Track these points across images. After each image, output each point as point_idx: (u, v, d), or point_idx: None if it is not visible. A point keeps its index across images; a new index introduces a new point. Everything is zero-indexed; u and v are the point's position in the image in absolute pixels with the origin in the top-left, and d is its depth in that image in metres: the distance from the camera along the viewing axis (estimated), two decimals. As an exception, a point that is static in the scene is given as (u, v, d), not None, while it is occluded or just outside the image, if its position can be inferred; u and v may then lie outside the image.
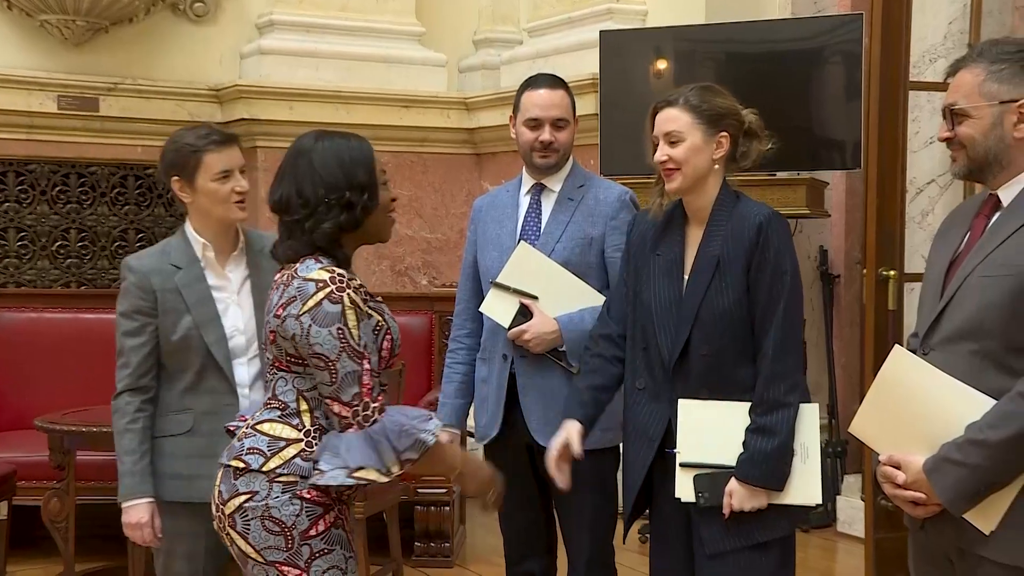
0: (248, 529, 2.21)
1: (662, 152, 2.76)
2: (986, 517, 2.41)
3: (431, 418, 2.25)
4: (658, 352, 2.88)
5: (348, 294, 2.20)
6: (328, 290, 2.17)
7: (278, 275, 2.33)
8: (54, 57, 5.74)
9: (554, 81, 3.41)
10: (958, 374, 2.44)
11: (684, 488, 2.81)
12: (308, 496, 2.20)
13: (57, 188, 5.79)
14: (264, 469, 2.21)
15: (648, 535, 3.23)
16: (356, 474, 2.15)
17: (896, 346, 2.63)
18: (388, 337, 2.30)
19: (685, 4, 5.76)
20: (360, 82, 6.19)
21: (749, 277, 2.79)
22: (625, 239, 3.19)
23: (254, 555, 2.21)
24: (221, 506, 2.26)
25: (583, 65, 5.63)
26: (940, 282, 2.57)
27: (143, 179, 6.00)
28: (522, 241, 3.24)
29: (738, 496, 2.76)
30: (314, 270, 2.21)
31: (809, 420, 2.86)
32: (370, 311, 2.27)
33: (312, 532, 2.20)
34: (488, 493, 2.41)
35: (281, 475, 2.21)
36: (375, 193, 2.28)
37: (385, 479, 2.21)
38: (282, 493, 2.20)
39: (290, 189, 2.27)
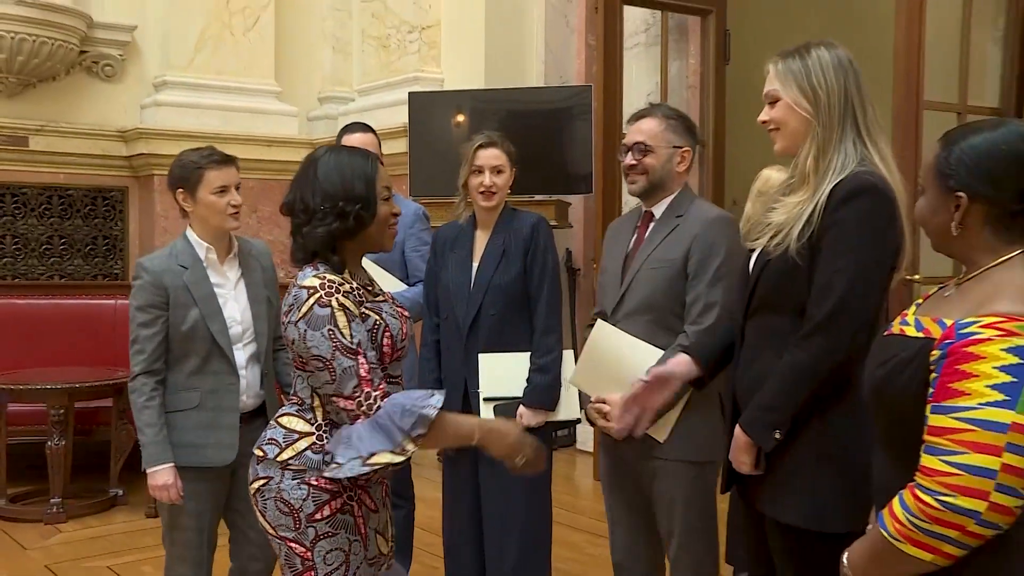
0: (265, 508, 2.18)
1: (489, 179, 3.11)
2: (660, 430, 2.69)
3: (433, 394, 2.11)
4: (455, 319, 3.16)
5: (337, 298, 2.09)
6: (318, 296, 2.08)
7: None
8: (-5, 105, 6.09)
9: (364, 127, 3.80)
10: (639, 336, 2.72)
11: (486, 416, 3.04)
12: (316, 483, 2.13)
13: (-3, 206, 6.20)
14: (278, 459, 2.16)
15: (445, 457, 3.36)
16: (370, 461, 2.05)
17: (599, 320, 2.84)
18: (387, 334, 2.20)
19: (471, 73, 6.31)
20: (233, 127, 6.58)
21: (526, 261, 3.13)
22: (424, 241, 3.58)
23: (271, 530, 2.19)
24: (250, 486, 2.23)
25: (397, 116, 6.17)
26: (619, 273, 2.83)
27: (64, 199, 6.46)
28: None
29: (526, 416, 3.07)
30: (307, 278, 2.12)
31: (568, 361, 3.15)
32: (367, 311, 2.17)
33: (318, 516, 2.14)
34: (516, 456, 2.17)
35: (292, 465, 2.15)
36: (371, 205, 2.17)
37: (401, 458, 2.08)
38: (292, 479, 2.15)
39: (295, 195, 2.19)
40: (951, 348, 1.55)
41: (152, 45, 6.67)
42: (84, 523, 4.85)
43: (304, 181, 2.21)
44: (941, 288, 1.79)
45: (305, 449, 2.18)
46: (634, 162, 2.75)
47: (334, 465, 2.11)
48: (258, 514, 2.23)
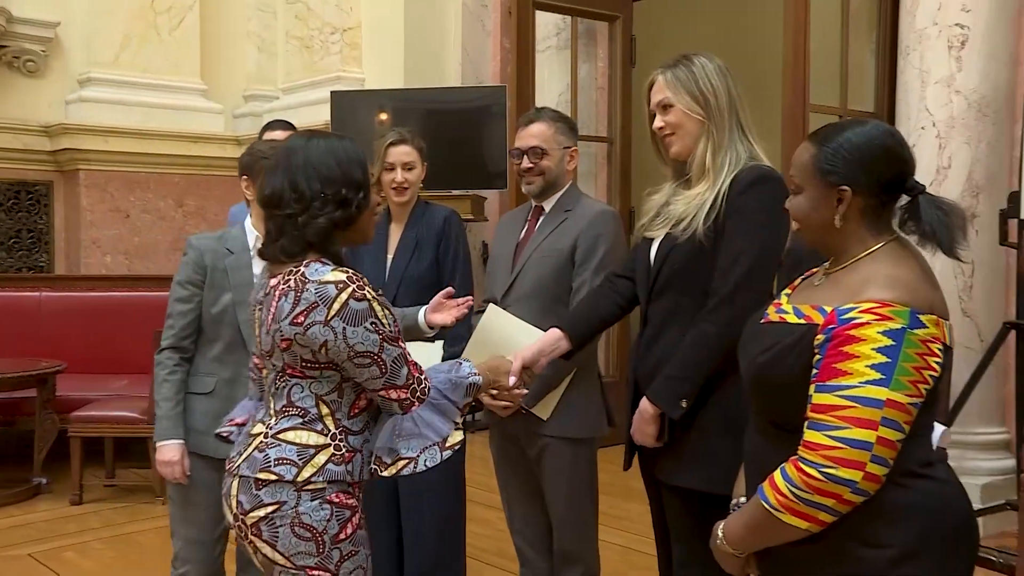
0: (276, 537, 1.90)
1: (400, 175, 3.09)
2: (544, 408, 2.77)
3: (460, 363, 2.04)
4: None
5: (368, 290, 1.89)
6: (350, 289, 1.86)
7: (276, 280, 1.94)
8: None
9: (286, 124, 3.83)
10: (527, 318, 2.77)
11: None
12: (337, 500, 1.91)
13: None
14: (297, 480, 1.89)
15: None
16: (448, 444, 1.93)
17: (490, 304, 2.90)
18: (395, 321, 1.99)
19: (391, 74, 6.37)
20: (159, 123, 6.56)
21: (438, 252, 3.15)
22: None
23: (283, 561, 1.91)
24: (242, 516, 1.93)
25: (320, 115, 6.18)
26: (510, 261, 2.91)
27: (-7, 190, 6.31)
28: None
29: None
30: (327, 272, 1.88)
31: None
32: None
33: (342, 536, 1.92)
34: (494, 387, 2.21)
35: (312, 483, 1.90)
36: (368, 192, 1.99)
37: (461, 434, 1.97)
38: (311, 500, 1.90)
39: (283, 182, 1.94)
40: (835, 332, 1.63)
41: (76, 42, 6.59)
42: (7, 512, 4.80)
43: (291, 168, 1.96)
44: (808, 277, 1.88)
45: (326, 463, 1.92)
46: (531, 165, 2.84)
47: (385, 466, 1.94)
48: (261, 545, 1.93)
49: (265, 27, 7.15)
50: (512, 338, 2.77)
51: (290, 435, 1.95)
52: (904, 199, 1.75)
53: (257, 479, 1.93)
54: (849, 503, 1.61)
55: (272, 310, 1.93)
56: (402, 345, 1.94)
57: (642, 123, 2.58)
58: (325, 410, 1.96)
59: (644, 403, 2.31)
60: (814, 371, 1.65)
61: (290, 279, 1.91)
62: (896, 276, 1.67)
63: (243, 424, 2.16)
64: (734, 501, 1.91)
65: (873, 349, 1.59)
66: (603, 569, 2.99)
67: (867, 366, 1.59)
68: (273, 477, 1.92)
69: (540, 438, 2.81)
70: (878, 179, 1.72)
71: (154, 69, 6.71)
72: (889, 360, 1.59)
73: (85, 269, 6.41)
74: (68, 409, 5.00)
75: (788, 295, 1.87)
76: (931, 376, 1.62)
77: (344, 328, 1.87)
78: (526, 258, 2.87)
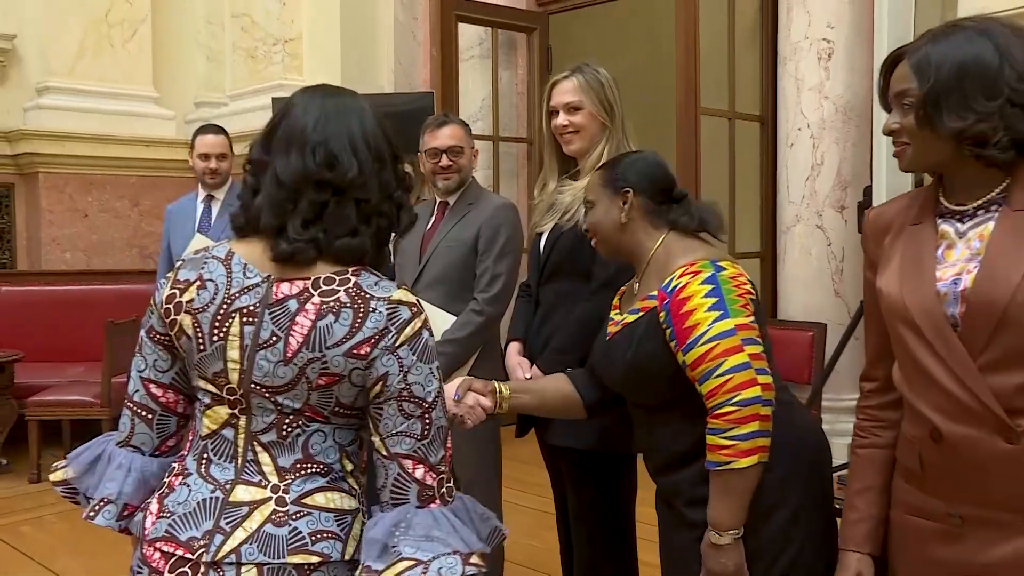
0: None
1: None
2: (452, 385, 2.67)
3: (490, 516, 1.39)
4: None
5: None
6: (424, 317, 1.33)
7: (293, 287, 1.31)
8: None
9: (217, 129, 3.85)
10: (437, 303, 2.79)
11: None
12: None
13: None
14: (346, 558, 1.32)
15: None
16: (472, 561, 1.28)
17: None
18: None
19: (329, 81, 5.36)
20: (114, 129, 6.46)
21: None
22: None
23: None
24: None
25: (264, 120, 5.82)
26: (417, 251, 2.94)
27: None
28: None
29: None
30: (394, 289, 1.32)
31: None
32: None
33: None
34: None
35: (357, 562, 1.30)
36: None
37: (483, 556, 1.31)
38: None
39: (345, 149, 1.32)
40: (670, 303, 1.78)
41: (33, 53, 6.47)
42: (-33, 491, 4.76)
43: (365, 131, 1.34)
44: (624, 294, 2.05)
45: (361, 534, 1.34)
46: (450, 163, 2.90)
47: (404, 564, 1.25)
48: None
49: (213, 39, 7.11)
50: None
51: (320, 498, 1.33)
52: (674, 204, 1.97)
53: (299, 565, 1.28)
54: (767, 417, 1.69)
55: (302, 331, 1.28)
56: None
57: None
58: (349, 466, 1.38)
59: (534, 371, 2.40)
60: (673, 342, 1.76)
61: (336, 291, 1.29)
62: (687, 246, 1.89)
63: (135, 503, 1.41)
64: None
65: (702, 297, 1.74)
66: (519, 528, 3.10)
67: (705, 310, 1.73)
68: (316, 559, 1.29)
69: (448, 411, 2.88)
70: (656, 185, 1.96)
71: (109, 78, 6.62)
72: (717, 299, 1.74)
73: (46, 265, 6.36)
74: (28, 395, 5.01)
75: (617, 311, 2.01)
76: (750, 298, 1.79)
77: (413, 362, 1.30)
78: (433, 248, 2.91)
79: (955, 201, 1.49)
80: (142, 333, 1.42)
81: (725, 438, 1.69)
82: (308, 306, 1.29)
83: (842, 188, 4.46)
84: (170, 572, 1.29)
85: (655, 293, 1.83)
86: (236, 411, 1.34)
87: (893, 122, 1.48)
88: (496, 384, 2.03)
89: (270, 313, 1.31)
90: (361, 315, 1.28)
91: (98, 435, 1.51)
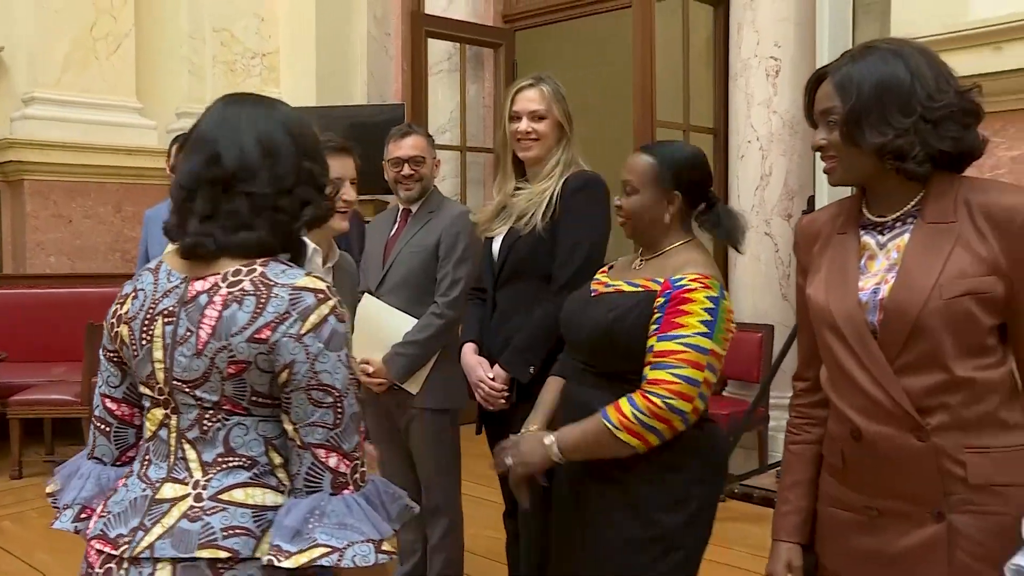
0: None
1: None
2: (414, 383, 2.79)
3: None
4: None
5: (347, 315, 1.31)
6: (332, 304, 1.27)
7: (205, 283, 1.29)
8: None
9: None
10: (399, 306, 2.81)
11: None
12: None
13: None
14: (256, 555, 1.24)
15: None
16: (384, 548, 1.25)
17: (365, 294, 2.85)
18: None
19: (305, 93, 6.30)
20: (98, 138, 6.34)
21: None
22: None
23: None
24: None
25: None
26: (381, 256, 2.91)
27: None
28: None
29: None
30: (301, 276, 1.28)
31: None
32: None
33: None
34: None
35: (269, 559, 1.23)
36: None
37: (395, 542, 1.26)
38: None
39: (252, 148, 1.29)
40: (672, 295, 1.80)
41: (20, 64, 6.38)
42: (-51, 486, 4.69)
43: (262, 130, 1.29)
44: (618, 262, 2.05)
45: None
46: (412, 172, 2.88)
47: (319, 550, 1.21)
48: None
49: (195, 52, 7.03)
50: (387, 323, 2.79)
51: (238, 494, 1.26)
52: (701, 207, 1.97)
53: (204, 559, 1.22)
54: (675, 431, 1.77)
55: (210, 323, 1.26)
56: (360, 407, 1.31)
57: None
58: (277, 459, 1.30)
59: (497, 369, 2.38)
60: (654, 326, 1.80)
61: (241, 281, 1.27)
62: (707, 261, 1.90)
63: (92, 507, 1.39)
64: (534, 430, 1.99)
65: (702, 308, 1.77)
66: (480, 521, 3.08)
67: (698, 321, 1.77)
68: (223, 554, 1.22)
69: (409, 410, 2.84)
70: (697, 187, 1.94)
71: (94, 89, 6.54)
72: (712, 319, 1.77)
73: (31, 269, 6.26)
74: (10, 394, 4.93)
75: (605, 274, 2.02)
76: (730, 336, 1.83)
77: (320, 350, 1.25)
78: (396, 253, 2.89)
79: (876, 213, 1.50)
80: (100, 352, 1.42)
81: (633, 411, 1.76)
82: (216, 298, 1.27)
83: (789, 197, 4.49)
84: (99, 568, 1.28)
85: (661, 280, 1.85)
86: (168, 411, 1.33)
87: (821, 139, 1.49)
88: (542, 436, 1.93)
89: (185, 310, 1.30)
90: (263, 301, 1.25)
91: (79, 432, 1.54)
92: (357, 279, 2.42)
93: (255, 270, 1.28)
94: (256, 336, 1.24)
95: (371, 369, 2.79)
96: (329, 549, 1.21)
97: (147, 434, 1.36)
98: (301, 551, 1.21)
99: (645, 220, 1.93)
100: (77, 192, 6.51)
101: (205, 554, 1.22)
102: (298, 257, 1.36)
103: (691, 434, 1.82)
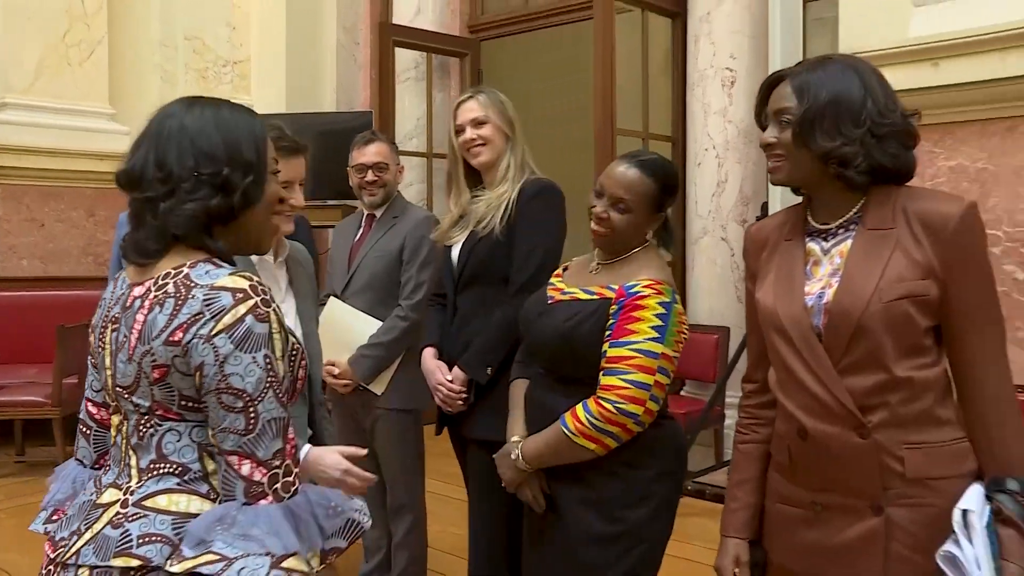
0: None
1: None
2: (379, 384, 2.81)
3: (352, 497, 1.31)
4: None
5: (274, 310, 1.21)
6: (252, 303, 1.19)
7: (141, 288, 1.25)
8: None
9: None
10: (363, 309, 2.83)
11: None
12: None
13: None
14: (171, 567, 1.15)
15: None
16: (285, 565, 1.14)
17: (331, 297, 2.86)
18: (303, 365, 1.30)
19: (275, 100, 6.23)
20: (70, 143, 6.24)
21: None
22: None
23: None
24: None
25: None
26: (346, 260, 2.89)
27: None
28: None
29: None
30: (223, 276, 1.21)
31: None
32: (287, 332, 1.25)
33: None
34: None
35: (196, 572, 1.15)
36: (262, 180, 1.28)
37: (306, 569, 1.17)
38: None
39: (145, 157, 1.25)
40: (626, 302, 1.82)
41: (-8, 71, 6.25)
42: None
43: (161, 139, 1.25)
44: (572, 268, 2.04)
45: None
46: (376, 178, 2.88)
47: (206, 558, 1.14)
48: None
49: (167, 60, 6.94)
50: (352, 326, 2.79)
51: (161, 500, 1.21)
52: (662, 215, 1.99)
53: (116, 568, 1.17)
54: (630, 432, 1.79)
55: (138, 327, 1.21)
56: (289, 412, 1.22)
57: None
58: (210, 466, 1.23)
59: (456, 371, 2.37)
60: (607, 333, 1.81)
61: (166, 284, 1.21)
62: (661, 266, 1.92)
63: (64, 508, 1.37)
64: (515, 439, 1.99)
65: (653, 315, 1.80)
66: (445, 518, 3.08)
67: (649, 327, 1.79)
68: (135, 563, 1.16)
69: (375, 410, 2.83)
70: (665, 202, 1.96)
71: (67, 95, 6.43)
72: (663, 324, 1.79)
73: (3, 272, 6.14)
74: (-20, 396, 4.80)
75: (561, 279, 2.02)
76: (683, 338, 1.86)
77: (230, 352, 1.17)
78: (361, 257, 2.88)
79: (820, 220, 1.52)
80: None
81: (588, 418, 1.79)
82: (145, 303, 1.23)
83: (744, 203, 4.52)
84: (43, 571, 1.28)
85: (616, 287, 1.86)
86: (122, 417, 1.30)
87: (771, 136, 1.51)
88: (510, 450, 1.97)
89: (124, 316, 1.27)
90: (180, 303, 1.19)
91: (50, 434, 1.52)
92: (313, 268, 2.36)
93: (181, 271, 1.23)
94: (171, 339, 1.19)
95: (337, 371, 2.78)
96: (217, 558, 1.13)
97: (110, 440, 1.35)
98: (192, 558, 1.15)
99: (627, 236, 1.92)
100: (50, 196, 6.40)
101: (118, 563, 1.17)
102: (224, 258, 1.27)
103: (652, 433, 1.84)
